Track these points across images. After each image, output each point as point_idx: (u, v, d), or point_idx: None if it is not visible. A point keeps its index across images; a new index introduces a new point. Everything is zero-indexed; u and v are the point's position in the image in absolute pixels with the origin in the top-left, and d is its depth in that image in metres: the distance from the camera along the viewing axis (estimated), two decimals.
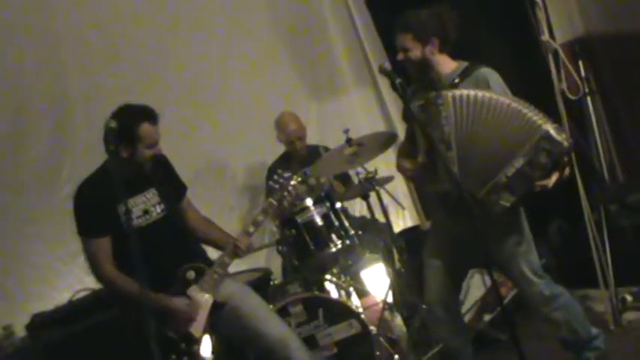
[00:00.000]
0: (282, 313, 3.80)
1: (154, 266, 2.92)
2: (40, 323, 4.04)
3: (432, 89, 3.12)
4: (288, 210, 3.99)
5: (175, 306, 3.21)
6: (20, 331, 4.19)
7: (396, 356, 4.01)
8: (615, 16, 4.65)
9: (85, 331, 3.92)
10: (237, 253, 3.34)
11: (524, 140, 2.92)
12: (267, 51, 5.62)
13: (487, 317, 4.21)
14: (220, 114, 5.35)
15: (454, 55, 3.24)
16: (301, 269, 4.15)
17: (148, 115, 3.18)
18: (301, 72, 5.79)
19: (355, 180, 4.68)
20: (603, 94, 4.67)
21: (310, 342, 3.77)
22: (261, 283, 4.22)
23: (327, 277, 4.19)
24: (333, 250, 4.10)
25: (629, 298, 3.94)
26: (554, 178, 2.96)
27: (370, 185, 4.20)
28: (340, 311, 3.92)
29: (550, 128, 2.90)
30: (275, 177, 3.46)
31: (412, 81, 3.29)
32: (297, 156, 4.84)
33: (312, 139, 5.11)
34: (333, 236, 4.11)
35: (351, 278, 4.34)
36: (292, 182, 3.45)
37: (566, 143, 2.91)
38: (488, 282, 4.18)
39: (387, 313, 4.25)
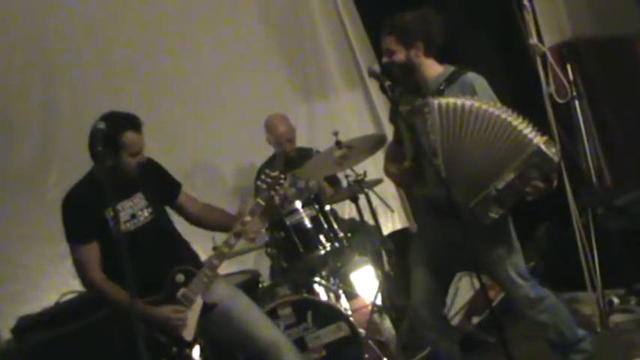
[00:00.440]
0: (271, 315, 3.78)
1: (143, 270, 2.90)
2: (26, 326, 4.01)
3: (418, 93, 3.12)
4: (276, 210, 3.98)
5: (163, 315, 3.20)
6: (6, 334, 4.16)
7: (385, 359, 4.01)
8: (603, 21, 4.68)
9: (71, 334, 3.88)
10: (241, 232, 3.32)
11: (514, 154, 2.91)
12: (257, 53, 5.61)
13: (475, 320, 4.22)
14: (210, 115, 5.34)
15: (441, 59, 3.23)
16: (290, 271, 4.14)
17: (132, 123, 3.18)
18: (291, 74, 5.78)
19: (344, 182, 4.68)
20: (591, 97, 4.69)
21: (299, 345, 3.76)
22: (249, 286, 4.21)
23: (316, 279, 4.19)
24: (322, 252, 4.10)
25: (616, 300, 3.95)
26: (542, 189, 2.95)
27: (359, 188, 4.20)
28: (329, 314, 3.92)
29: (541, 143, 2.87)
30: (263, 176, 3.45)
31: (397, 83, 3.27)
32: (287, 158, 4.82)
33: (301, 141, 5.10)
34: (322, 239, 4.12)
35: (340, 281, 4.34)
36: (281, 181, 3.44)
37: (557, 158, 2.89)
38: (477, 285, 4.19)
39: (376, 316, 4.26)
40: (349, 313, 4.01)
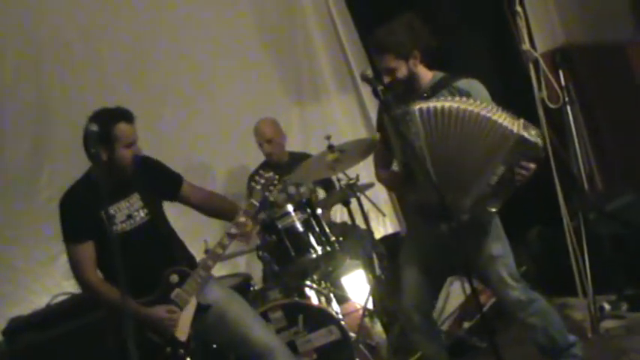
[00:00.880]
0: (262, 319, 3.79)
1: (138, 270, 2.96)
2: (16, 328, 4.00)
3: (404, 100, 3.08)
4: (268, 214, 3.99)
5: (156, 315, 3.21)
6: None
7: None
8: (595, 27, 4.70)
9: (62, 335, 3.88)
10: (235, 233, 3.33)
11: (498, 147, 2.92)
12: (249, 57, 5.61)
13: (466, 325, 4.22)
14: (202, 119, 5.34)
15: (431, 65, 3.21)
16: (281, 275, 4.13)
17: (122, 115, 3.21)
18: (284, 78, 5.79)
19: (336, 186, 4.68)
20: (583, 103, 4.71)
21: (290, 348, 3.75)
22: (241, 289, 4.20)
23: (308, 283, 4.18)
24: (314, 256, 4.09)
25: (607, 306, 3.95)
26: (533, 170, 2.96)
27: (351, 192, 4.20)
28: (320, 317, 3.91)
29: (522, 130, 2.89)
30: (257, 177, 3.45)
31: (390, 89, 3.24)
32: (278, 162, 4.82)
33: (294, 145, 5.10)
34: (314, 242, 4.10)
35: (331, 284, 4.34)
36: (275, 182, 3.44)
37: (540, 140, 2.91)
38: (468, 289, 4.19)
39: (367, 320, 4.26)
40: (340, 317, 4.00)
